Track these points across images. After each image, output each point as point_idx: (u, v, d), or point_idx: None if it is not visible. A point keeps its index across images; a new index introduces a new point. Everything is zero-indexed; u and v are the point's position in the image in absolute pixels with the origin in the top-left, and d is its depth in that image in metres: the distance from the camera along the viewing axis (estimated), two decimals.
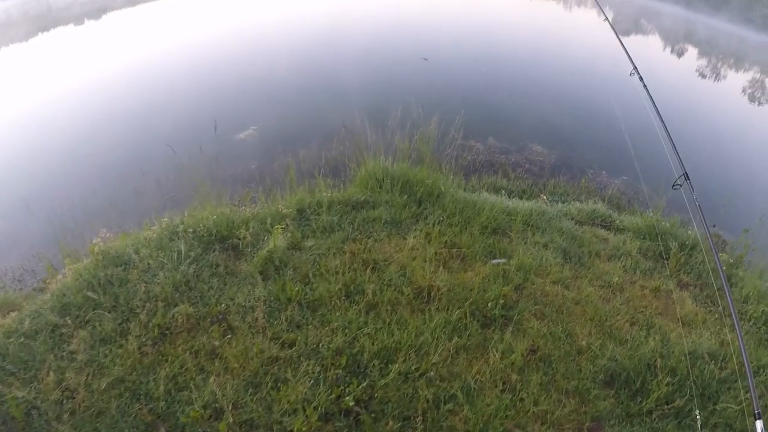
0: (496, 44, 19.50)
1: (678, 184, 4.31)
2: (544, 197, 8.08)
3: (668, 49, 29.32)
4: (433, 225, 6.06)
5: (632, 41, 26.73)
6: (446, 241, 5.81)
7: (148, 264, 5.09)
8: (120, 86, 13.61)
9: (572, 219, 7.35)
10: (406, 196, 6.48)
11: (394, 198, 6.47)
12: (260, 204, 6.77)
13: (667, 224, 7.31)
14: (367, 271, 5.17)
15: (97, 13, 24.81)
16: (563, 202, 8.07)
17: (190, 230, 5.69)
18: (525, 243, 6.17)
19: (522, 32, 21.88)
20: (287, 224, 5.95)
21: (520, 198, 8.05)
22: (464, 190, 7.80)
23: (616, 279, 5.82)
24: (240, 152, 9.85)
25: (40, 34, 21.59)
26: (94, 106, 12.31)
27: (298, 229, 5.92)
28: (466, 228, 6.11)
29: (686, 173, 4.29)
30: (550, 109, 12.60)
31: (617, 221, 7.53)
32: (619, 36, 6.68)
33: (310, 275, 5.19)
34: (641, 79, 5.60)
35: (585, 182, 8.97)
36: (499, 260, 5.63)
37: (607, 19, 7.40)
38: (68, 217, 6.46)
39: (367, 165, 7.01)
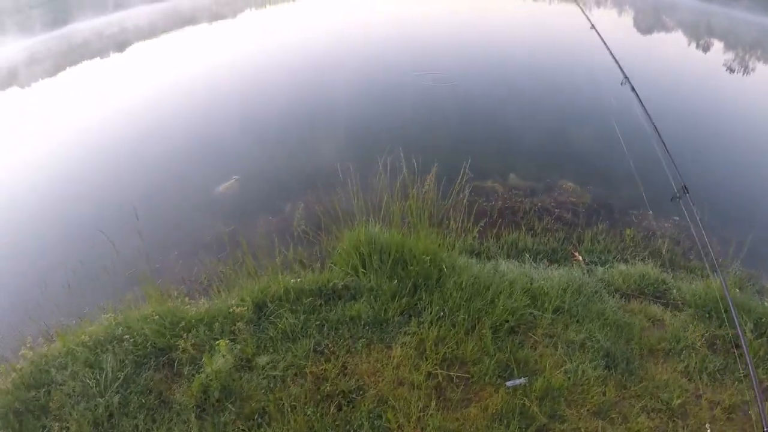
0: (510, 59, 17.87)
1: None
2: (580, 258, 6.58)
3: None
4: (430, 326, 4.69)
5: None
6: (445, 353, 4.45)
7: (72, 388, 4.20)
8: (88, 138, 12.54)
9: (617, 291, 5.87)
10: (396, 281, 5.11)
11: (380, 283, 5.12)
12: (217, 293, 5.51)
13: (739, 292, 5.79)
14: (332, 408, 3.82)
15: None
16: (604, 264, 6.57)
17: (127, 337, 4.68)
18: (555, 345, 4.71)
19: (538, 43, 20.17)
20: (239, 329, 4.66)
21: (550, 261, 6.56)
22: (477, 256, 6.38)
23: (677, 397, 4.32)
24: (217, 210, 8.75)
25: None
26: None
27: (254, 336, 4.65)
28: (474, 329, 4.70)
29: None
30: (580, 132, 11.00)
31: (674, 290, 6.01)
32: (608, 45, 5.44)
33: (258, 415, 3.87)
34: (633, 89, 5.14)
35: (630, 233, 7.39)
36: (518, 381, 4.22)
37: (593, 26, 6.70)
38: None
39: (349, 235, 5.64)
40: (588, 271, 6.28)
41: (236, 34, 24.87)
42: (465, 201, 6.95)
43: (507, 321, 4.80)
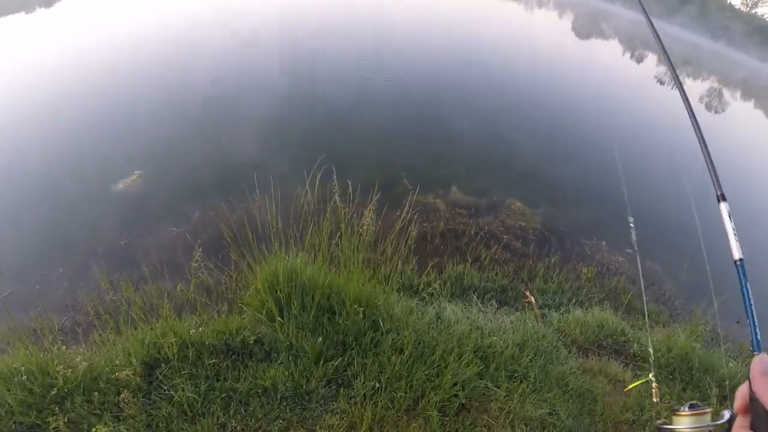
0: (456, 53, 17.22)
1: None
2: (533, 300, 5.88)
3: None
4: (363, 402, 3.80)
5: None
6: None
7: None
8: None
9: (574, 344, 5.21)
10: (321, 337, 4.17)
11: (302, 339, 4.19)
12: (100, 341, 4.43)
13: (700, 348, 5.34)
14: None
15: None
16: (558, 307, 5.91)
17: None
18: (511, 425, 3.94)
19: (490, 39, 19.68)
20: (125, 402, 3.63)
21: (499, 303, 5.81)
22: (416, 293, 5.56)
23: None
24: (114, 212, 7.51)
25: None
26: None
27: (143, 411, 3.60)
28: (416, 405, 3.84)
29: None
30: (528, 145, 10.43)
31: (634, 343, 5.45)
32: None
33: None
34: None
35: (586, 273, 6.76)
36: None
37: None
38: None
39: (264, 270, 4.65)
40: (542, 317, 5.59)
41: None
42: (403, 221, 6.10)
43: (456, 395, 3.98)
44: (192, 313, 4.75)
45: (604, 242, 7.92)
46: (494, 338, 4.76)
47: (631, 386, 4.29)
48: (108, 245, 6.76)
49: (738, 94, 36.40)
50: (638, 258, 5.97)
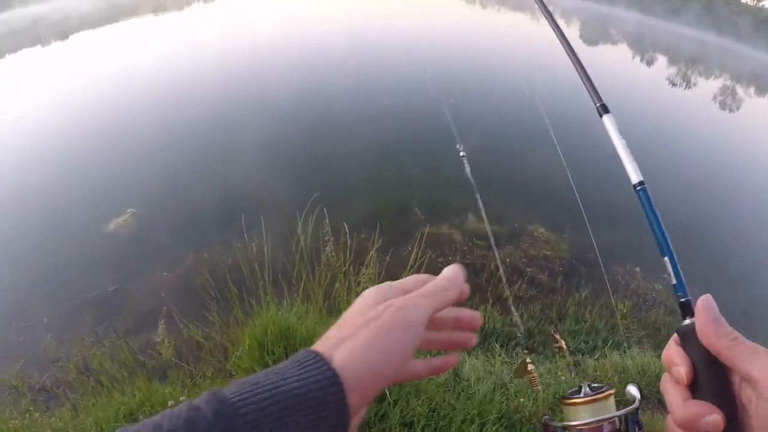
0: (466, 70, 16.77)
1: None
2: (563, 344, 5.24)
3: None
4: None
5: None
6: None
7: None
8: None
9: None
10: None
11: None
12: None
13: None
14: None
15: None
16: (592, 351, 5.32)
17: None
18: None
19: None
20: None
21: (528, 351, 5.21)
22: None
23: None
24: (105, 255, 7.19)
25: None
26: None
27: None
28: None
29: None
30: (543, 159, 9.89)
31: None
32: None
33: None
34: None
35: (622, 308, 6.15)
36: None
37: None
38: None
39: (251, 328, 4.19)
40: (575, 365, 4.98)
41: (146, 35, 22.91)
42: (414, 260, 5.59)
43: None
44: (177, 373, 4.30)
45: (638, 268, 7.30)
46: (522, 399, 4.17)
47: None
48: (96, 292, 6.42)
49: (752, 90, 36.20)
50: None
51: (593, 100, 0.94)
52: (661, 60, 38.61)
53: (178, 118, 11.61)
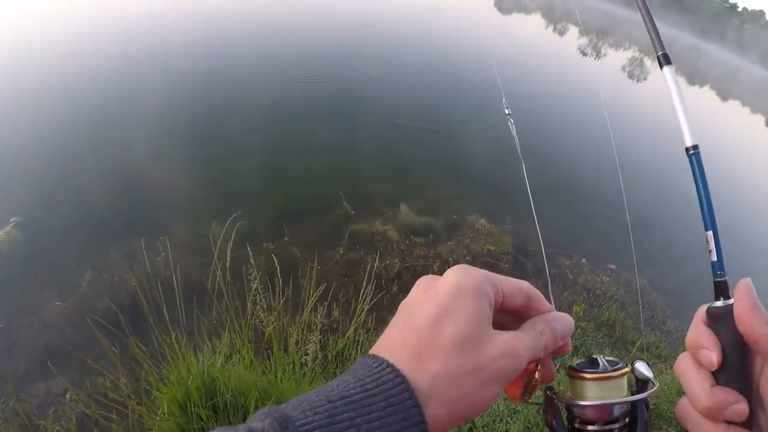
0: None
1: None
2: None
3: None
4: None
5: None
6: None
7: None
8: None
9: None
10: None
11: None
12: None
13: None
14: None
15: None
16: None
17: None
18: None
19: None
20: None
21: None
22: None
23: None
24: None
25: None
26: None
27: None
28: None
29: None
30: (479, 141, 9.53)
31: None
32: None
33: None
34: None
35: (578, 310, 5.88)
36: None
37: None
38: None
39: (167, 388, 3.50)
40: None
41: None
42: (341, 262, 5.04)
43: None
44: None
45: (584, 259, 7.09)
46: None
47: None
48: None
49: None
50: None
51: (655, 49, 0.84)
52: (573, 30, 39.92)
53: (63, 96, 10.14)
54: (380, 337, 0.63)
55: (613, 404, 0.71)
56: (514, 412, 4.09)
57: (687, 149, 0.74)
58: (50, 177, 7.66)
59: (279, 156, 8.40)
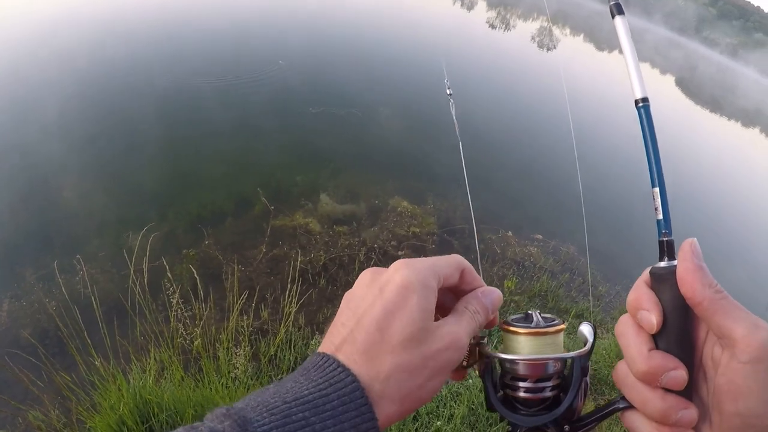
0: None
1: None
2: None
3: None
4: None
5: None
6: None
7: None
8: None
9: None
10: None
11: None
12: None
13: None
14: None
15: None
16: (491, 335, 5.00)
17: None
18: None
19: None
20: None
21: None
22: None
23: None
24: None
25: None
26: None
27: None
28: None
29: None
30: (389, 117, 9.56)
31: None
32: None
33: None
34: None
35: (509, 285, 6.02)
36: None
37: None
38: None
39: (101, 415, 3.33)
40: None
41: None
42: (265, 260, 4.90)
43: None
44: None
45: (510, 232, 7.25)
46: (438, 423, 3.78)
47: None
48: None
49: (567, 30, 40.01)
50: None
51: None
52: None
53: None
54: (327, 332, 0.65)
55: (543, 361, 0.70)
56: (457, 395, 4.14)
57: (636, 101, 0.74)
58: None
59: (191, 158, 8.10)
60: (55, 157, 7.61)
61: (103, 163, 7.63)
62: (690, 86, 41.36)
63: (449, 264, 0.68)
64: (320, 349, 0.63)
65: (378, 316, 0.60)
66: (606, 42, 36.95)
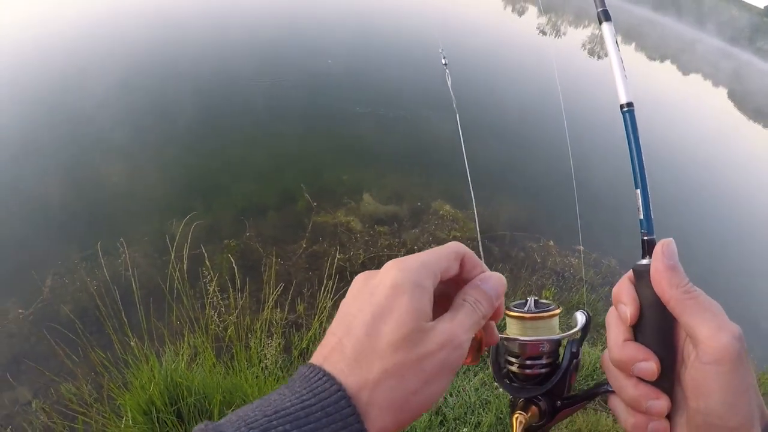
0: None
1: None
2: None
3: None
4: None
5: None
6: None
7: None
8: None
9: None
10: None
11: None
12: None
13: None
14: None
15: None
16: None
17: None
18: None
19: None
20: None
21: None
22: None
23: None
24: None
25: None
26: None
27: None
28: None
29: None
30: (440, 122, 9.50)
31: None
32: None
33: None
34: None
35: (547, 294, 5.96)
36: None
37: None
38: None
39: (131, 393, 3.41)
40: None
41: None
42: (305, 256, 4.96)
43: None
44: None
45: (552, 241, 7.17)
46: (465, 429, 3.75)
47: None
48: None
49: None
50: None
51: (596, 5, 0.86)
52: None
53: (10, 97, 9.77)
54: (320, 344, 0.62)
55: (536, 342, 0.77)
56: (486, 403, 4.11)
57: (621, 106, 0.77)
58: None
59: (239, 152, 8.28)
60: (107, 140, 7.90)
61: (153, 151, 7.90)
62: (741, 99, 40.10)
63: (446, 255, 0.66)
64: (310, 361, 0.60)
65: (367, 321, 0.58)
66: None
